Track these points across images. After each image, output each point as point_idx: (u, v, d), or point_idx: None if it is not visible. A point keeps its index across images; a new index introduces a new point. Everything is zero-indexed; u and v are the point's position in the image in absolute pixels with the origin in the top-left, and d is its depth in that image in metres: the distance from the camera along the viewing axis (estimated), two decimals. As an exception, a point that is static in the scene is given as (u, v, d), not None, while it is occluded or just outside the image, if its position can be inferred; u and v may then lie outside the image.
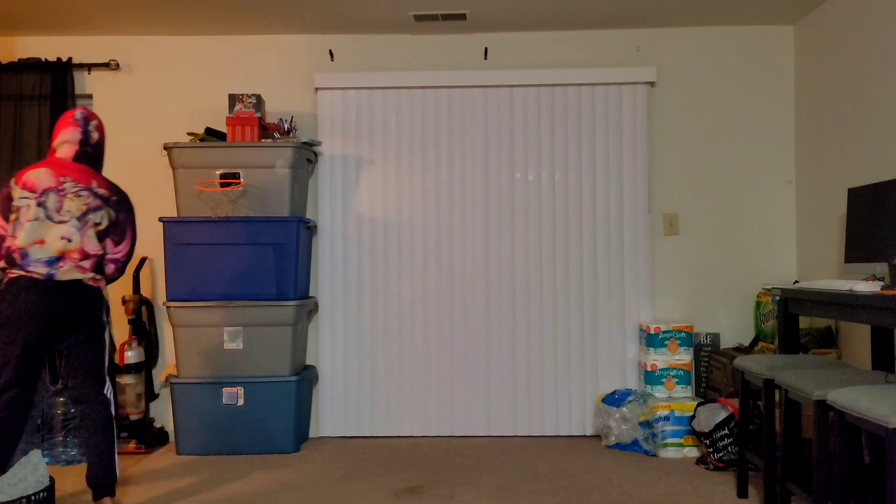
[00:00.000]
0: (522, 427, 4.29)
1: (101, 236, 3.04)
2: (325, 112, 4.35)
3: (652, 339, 4.04)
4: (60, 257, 2.94)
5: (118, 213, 3.08)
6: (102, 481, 2.96)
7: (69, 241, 2.95)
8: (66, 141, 3.04)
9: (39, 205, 2.94)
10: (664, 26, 4.34)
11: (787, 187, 4.34)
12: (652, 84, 4.35)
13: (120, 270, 3.12)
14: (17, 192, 2.96)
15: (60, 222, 2.95)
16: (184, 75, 4.42)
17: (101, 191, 3.04)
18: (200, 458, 3.89)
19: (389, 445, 4.11)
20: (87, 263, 2.99)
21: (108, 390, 3.08)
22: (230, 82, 4.41)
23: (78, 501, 3.20)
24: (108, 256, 3.07)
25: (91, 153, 3.08)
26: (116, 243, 3.07)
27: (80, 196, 2.98)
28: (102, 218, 3.03)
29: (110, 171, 4.39)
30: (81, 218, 2.98)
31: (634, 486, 3.34)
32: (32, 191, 2.94)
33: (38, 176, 2.97)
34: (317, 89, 4.36)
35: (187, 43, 4.42)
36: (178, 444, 3.96)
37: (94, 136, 3.09)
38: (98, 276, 3.03)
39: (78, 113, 3.08)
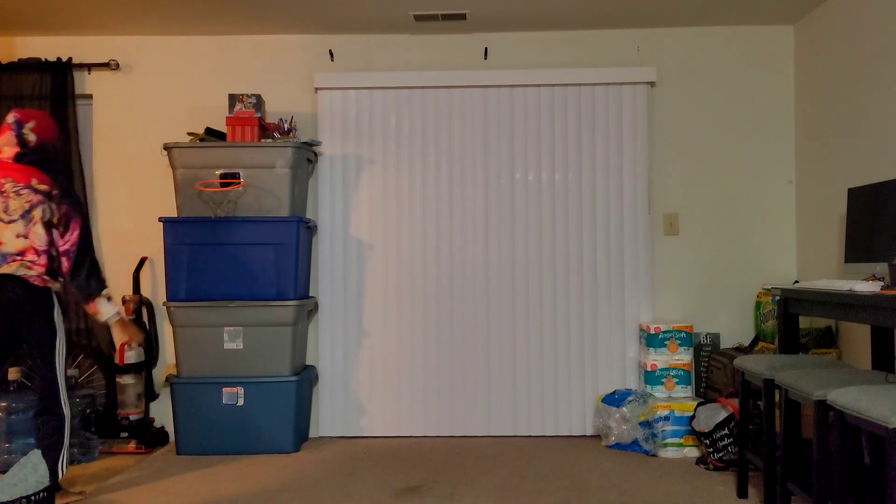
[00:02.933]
0: (522, 427, 4.29)
1: (48, 229, 3.14)
2: (325, 112, 4.35)
3: (652, 339, 4.04)
4: (19, 254, 3.09)
5: (60, 205, 3.15)
6: None
7: (25, 237, 3.09)
8: (4, 144, 3.17)
9: None
10: (664, 26, 4.34)
11: (787, 187, 4.34)
12: (652, 84, 4.35)
13: (76, 266, 3.16)
14: None
15: (11, 221, 3.09)
16: (184, 75, 4.42)
17: (42, 186, 3.14)
18: (200, 458, 3.89)
19: (389, 445, 4.11)
20: (40, 260, 3.11)
21: (60, 399, 3.15)
22: (230, 82, 4.41)
23: (78, 501, 3.20)
24: (60, 249, 3.15)
25: (32, 154, 3.17)
26: (62, 234, 3.16)
27: (21, 195, 3.10)
28: (45, 212, 3.12)
29: (111, 171, 4.40)
30: (26, 216, 3.10)
31: (634, 486, 3.34)
32: None
33: None
34: (317, 89, 4.36)
35: (187, 43, 4.42)
36: (178, 444, 3.96)
37: (31, 137, 3.17)
38: (47, 278, 3.13)
39: (10, 117, 3.19)
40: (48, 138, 3.23)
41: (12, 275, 3.06)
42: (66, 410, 3.18)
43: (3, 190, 3.09)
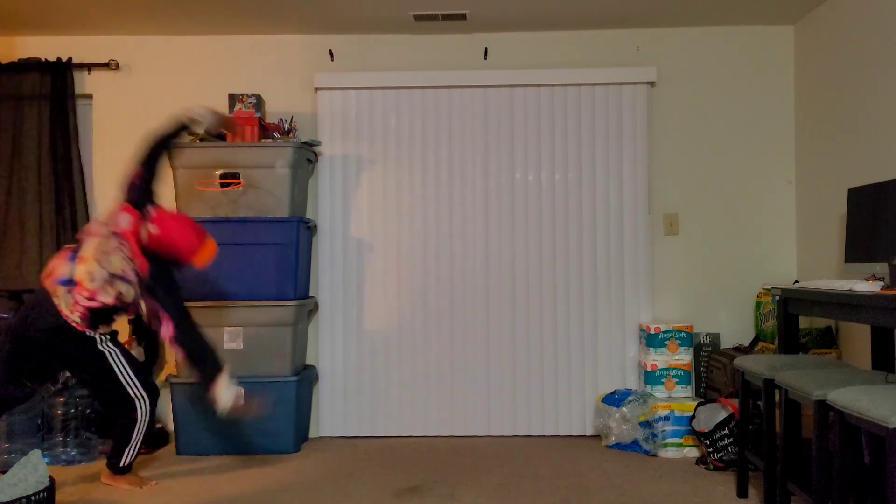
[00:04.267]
0: (522, 427, 4.29)
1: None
2: (325, 112, 4.35)
3: (652, 339, 4.04)
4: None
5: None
6: (108, 462, 3.37)
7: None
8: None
9: None
10: (664, 26, 4.34)
11: (787, 187, 4.34)
12: (652, 84, 4.35)
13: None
14: None
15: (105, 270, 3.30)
16: (184, 75, 4.42)
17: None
18: (200, 458, 3.89)
19: (389, 445, 4.11)
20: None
21: (130, 398, 3.31)
22: (230, 82, 4.41)
23: (78, 501, 3.20)
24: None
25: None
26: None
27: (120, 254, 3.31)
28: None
29: (111, 171, 4.39)
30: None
31: (634, 486, 3.34)
32: None
33: None
34: (317, 89, 4.36)
35: (187, 43, 4.42)
36: (178, 445, 3.96)
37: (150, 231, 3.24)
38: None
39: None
40: (171, 239, 3.20)
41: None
42: (142, 405, 3.30)
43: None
